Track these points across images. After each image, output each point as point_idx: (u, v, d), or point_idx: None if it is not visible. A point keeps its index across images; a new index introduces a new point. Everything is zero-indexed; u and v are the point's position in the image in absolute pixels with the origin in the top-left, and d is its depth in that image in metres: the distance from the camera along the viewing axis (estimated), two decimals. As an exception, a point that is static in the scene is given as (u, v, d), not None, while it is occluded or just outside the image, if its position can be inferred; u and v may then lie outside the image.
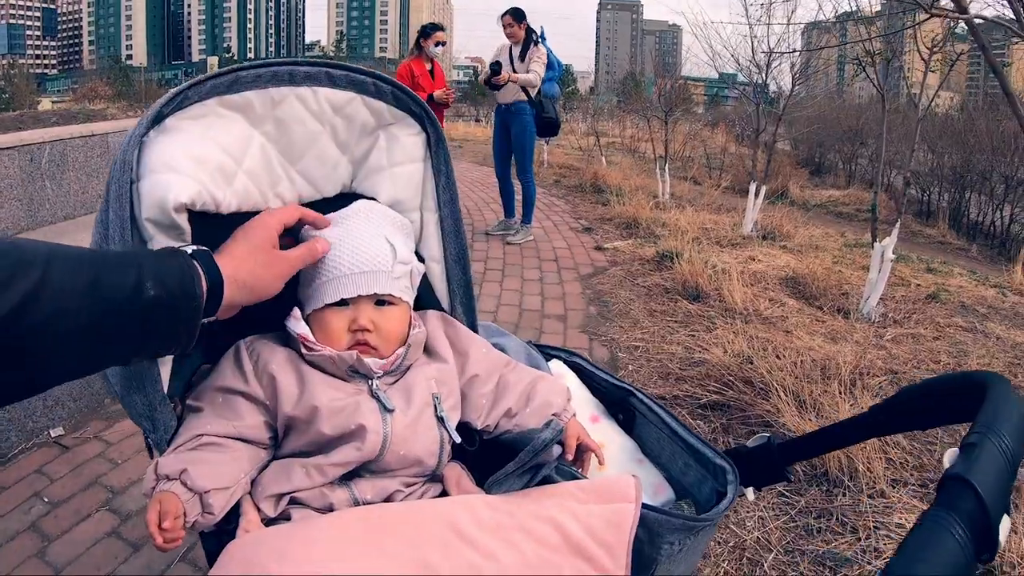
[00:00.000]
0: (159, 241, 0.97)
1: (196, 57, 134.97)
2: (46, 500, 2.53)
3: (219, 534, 0.98)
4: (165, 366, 1.02)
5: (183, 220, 0.98)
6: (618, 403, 1.32)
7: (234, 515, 0.99)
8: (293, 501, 1.01)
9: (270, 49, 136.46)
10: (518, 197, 6.75)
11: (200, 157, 1.00)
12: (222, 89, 1.03)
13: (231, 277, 0.90)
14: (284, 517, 1.00)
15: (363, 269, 1.08)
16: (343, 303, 1.08)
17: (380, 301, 1.09)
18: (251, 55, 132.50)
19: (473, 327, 1.25)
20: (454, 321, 1.23)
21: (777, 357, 3.32)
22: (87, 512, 2.46)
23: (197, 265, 0.86)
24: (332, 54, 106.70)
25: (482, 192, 9.55)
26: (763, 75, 7.34)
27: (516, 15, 6.13)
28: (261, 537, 0.93)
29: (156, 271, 0.80)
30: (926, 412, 0.82)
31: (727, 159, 17.37)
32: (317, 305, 1.08)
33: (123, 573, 2.18)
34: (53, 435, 2.92)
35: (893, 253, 4.38)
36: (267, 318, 1.11)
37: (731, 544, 2.25)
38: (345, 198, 1.20)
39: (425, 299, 1.26)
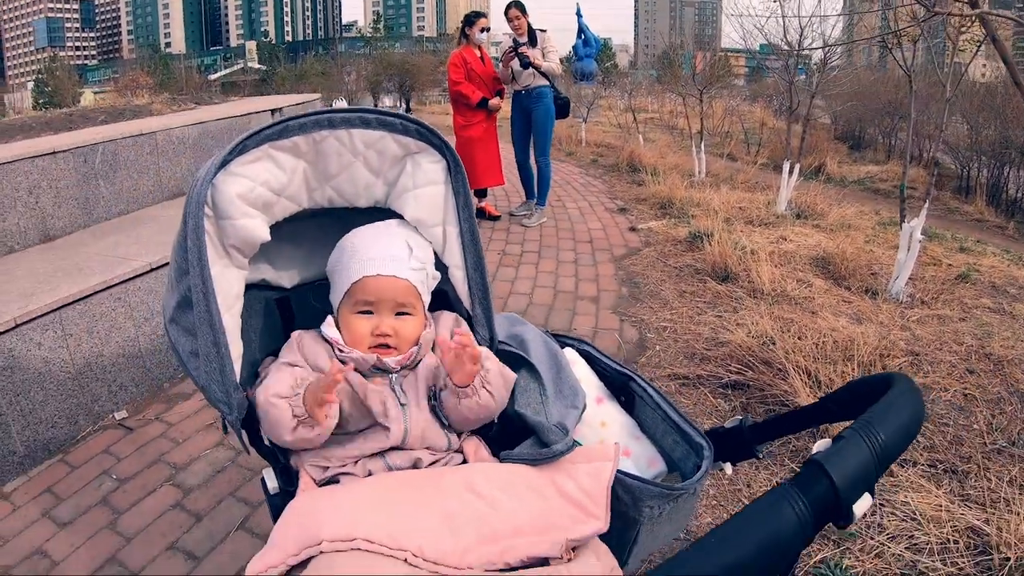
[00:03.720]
0: (236, 258, 1.28)
1: (234, 42, 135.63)
2: (114, 477, 2.76)
3: (283, 495, 1.25)
4: (237, 361, 1.25)
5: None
6: (620, 387, 1.51)
7: (295, 480, 1.24)
8: None
9: (307, 31, 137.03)
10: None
11: (256, 199, 1.27)
12: (273, 137, 1.27)
13: None
14: (334, 480, 1.24)
15: (384, 256, 1.32)
16: (368, 312, 1.32)
17: (400, 312, 1.32)
18: (288, 38, 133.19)
19: (490, 324, 1.47)
20: (464, 328, 1.42)
21: (799, 338, 3.42)
22: (152, 487, 2.69)
23: None
24: (370, 34, 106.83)
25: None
26: (795, 54, 7.35)
27: (523, 8, 6.27)
28: (316, 495, 1.16)
29: None
30: (856, 404, 0.96)
31: (765, 134, 17.22)
32: (345, 287, 1.32)
33: (187, 541, 2.40)
34: (118, 418, 3.16)
35: (926, 232, 4.40)
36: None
37: (742, 516, 2.39)
38: (379, 211, 1.46)
39: (451, 300, 1.51)
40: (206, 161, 1.23)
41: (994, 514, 2.31)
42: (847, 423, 1.00)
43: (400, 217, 1.43)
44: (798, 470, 0.73)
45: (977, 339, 3.71)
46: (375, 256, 1.31)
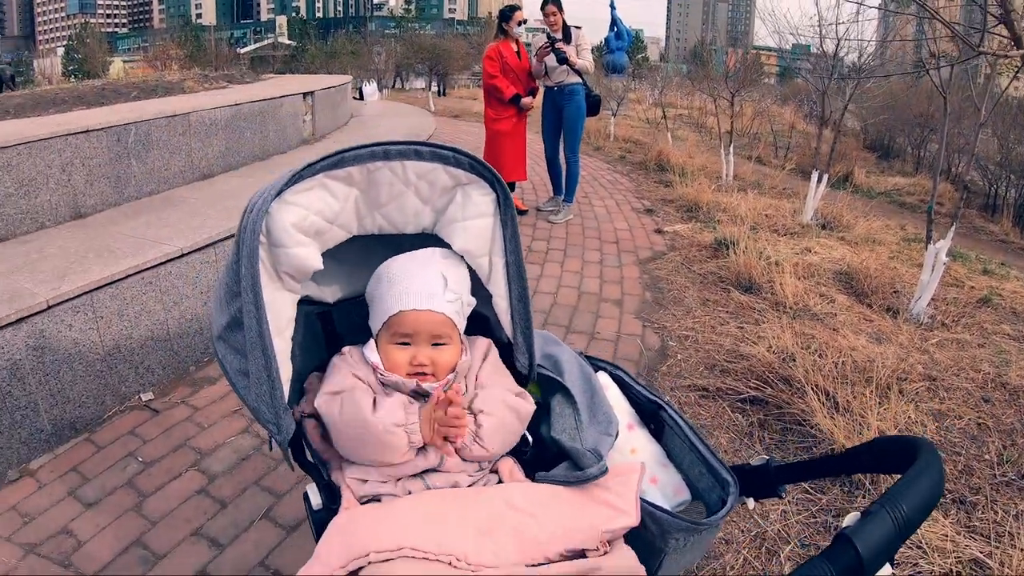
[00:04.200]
0: (288, 282, 1.32)
1: (265, 16, 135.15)
2: (140, 459, 2.83)
3: (327, 511, 1.30)
4: (286, 383, 1.30)
5: None
6: (651, 415, 1.54)
7: (338, 497, 1.29)
8: None
9: (338, 9, 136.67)
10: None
11: (309, 228, 1.31)
12: (328, 167, 1.31)
13: None
14: (375, 499, 1.29)
15: (421, 290, 1.36)
16: (405, 343, 1.36)
17: (436, 343, 1.36)
18: (319, 14, 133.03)
19: (530, 352, 1.49)
20: (492, 357, 1.48)
21: (819, 356, 3.45)
22: (178, 471, 2.76)
23: None
24: (401, 15, 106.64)
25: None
26: (829, 64, 7.31)
27: (560, 5, 6.28)
28: (359, 513, 1.22)
29: None
30: (879, 462, 1.03)
31: (795, 138, 17.12)
32: (383, 319, 1.37)
33: (211, 527, 2.46)
34: (144, 399, 3.22)
35: (950, 252, 4.37)
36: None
37: (753, 533, 2.44)
38: (426, 237, 1.49)
39: (491, 324, 1.55)
40: (257, 187, 1.28)
41: (998, 548, 2.33)
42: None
43: (442, 243, 1.46)
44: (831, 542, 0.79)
45: (995, 367, 3.71)
46: (412, 290, 1.35)
